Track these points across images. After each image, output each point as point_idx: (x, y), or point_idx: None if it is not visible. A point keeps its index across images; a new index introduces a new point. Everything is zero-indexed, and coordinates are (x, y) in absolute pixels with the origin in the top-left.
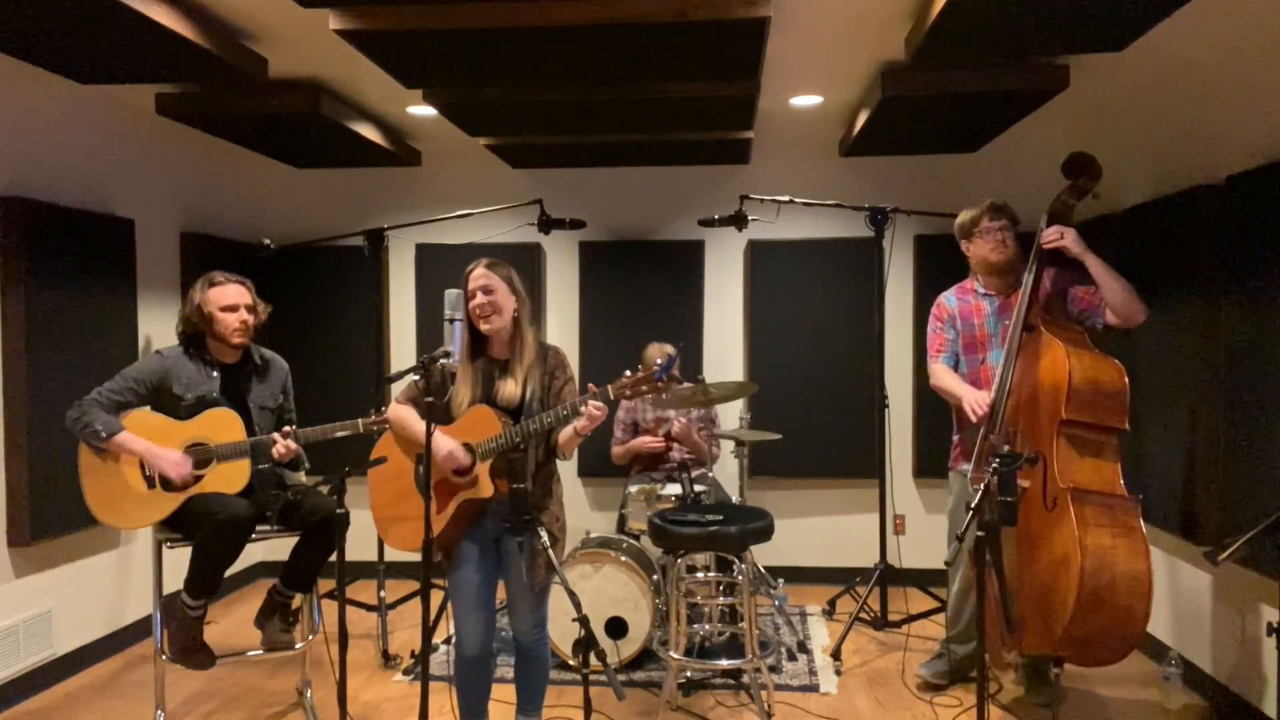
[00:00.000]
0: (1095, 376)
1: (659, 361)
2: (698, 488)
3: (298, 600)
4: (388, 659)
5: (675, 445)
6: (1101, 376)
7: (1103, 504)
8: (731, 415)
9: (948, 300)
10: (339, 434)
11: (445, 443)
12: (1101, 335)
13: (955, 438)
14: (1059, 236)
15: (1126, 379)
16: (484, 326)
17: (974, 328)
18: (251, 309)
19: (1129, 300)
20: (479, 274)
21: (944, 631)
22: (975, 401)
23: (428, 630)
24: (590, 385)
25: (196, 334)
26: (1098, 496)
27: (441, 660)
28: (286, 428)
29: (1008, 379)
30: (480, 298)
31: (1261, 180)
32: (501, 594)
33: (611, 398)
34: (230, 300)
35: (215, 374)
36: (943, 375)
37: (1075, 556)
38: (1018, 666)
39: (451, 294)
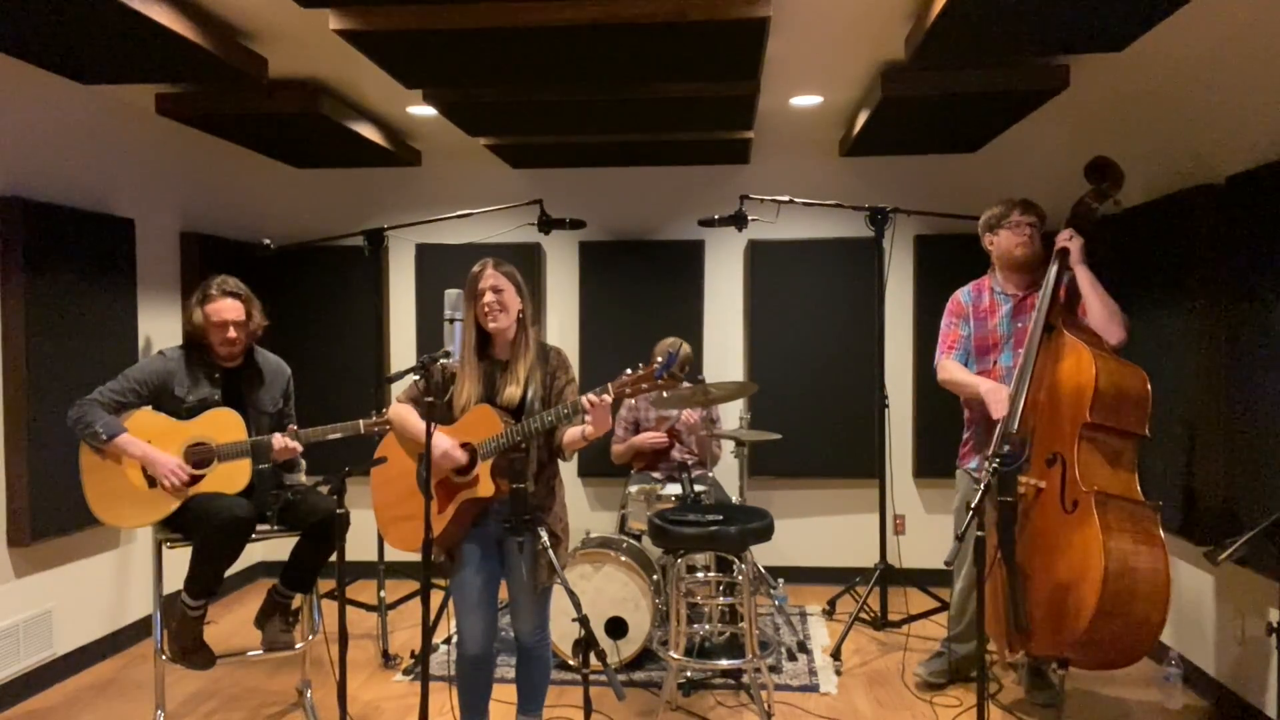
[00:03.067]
0: (1120, 381)
1: (659, 360)
2: (698, 488)
3: (298, 600)
4: (388, 659)
5: (677, 444)
6: (1126, 382)
7: (1126, 510)
8: (731, 415)
9: (964, 296)
10: (339, 435)
11: (442, 442)
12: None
13: (965, 434)
14: (1068, 238)
15: (1149, 386)
16: (491, 325)
17: (987, 328)
18: (243, 325)
19: (1109, 319)
20: (489, 274)
21: (944, 631)
22: (995, 396)
23: (428, 630)
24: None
25: (199, 339)
26: (1120, 501)
27: (441, 660)
28: (292, 427)
29: (1028, 374)
30: (490, 296)
31: (1261, 180)
32: (503, 594)
33: (612, 395)
34: (220, 317)
35: (217, 377)
36: (954, 369)
37: (1097, 560)
38: (1019, 666)
39: (451, 294)
